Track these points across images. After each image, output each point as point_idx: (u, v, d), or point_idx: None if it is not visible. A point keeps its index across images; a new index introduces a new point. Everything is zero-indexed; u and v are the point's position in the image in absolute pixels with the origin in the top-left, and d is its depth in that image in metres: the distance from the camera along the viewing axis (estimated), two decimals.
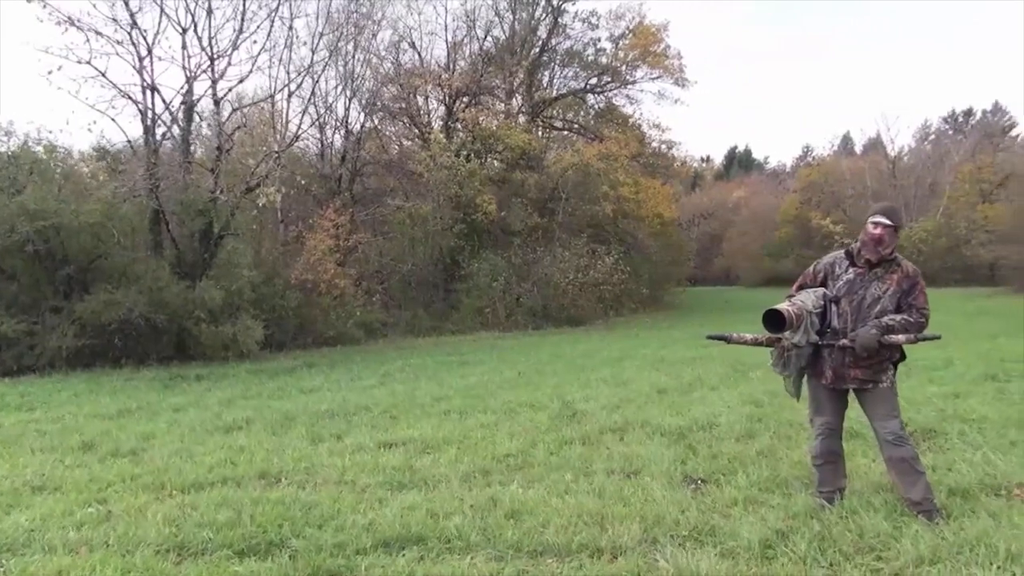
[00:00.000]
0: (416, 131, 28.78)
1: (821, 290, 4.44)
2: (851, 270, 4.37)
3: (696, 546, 3.83)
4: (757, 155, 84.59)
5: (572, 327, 23.71)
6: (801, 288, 4.54)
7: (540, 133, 32.21)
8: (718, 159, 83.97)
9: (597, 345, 16.93)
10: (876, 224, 4.25)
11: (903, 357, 4.43)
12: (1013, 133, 55.03)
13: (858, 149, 62.23)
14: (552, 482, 5.09)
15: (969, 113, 62.74)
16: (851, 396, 4.44)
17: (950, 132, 59.69)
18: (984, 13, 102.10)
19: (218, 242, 16.67)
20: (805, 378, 4.54)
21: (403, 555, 3.87)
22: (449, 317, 23.56)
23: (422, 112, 29.21)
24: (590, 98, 33.74)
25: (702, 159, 78.02)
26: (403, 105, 27.86)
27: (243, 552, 4.00)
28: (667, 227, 34.11)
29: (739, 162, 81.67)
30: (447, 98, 28.09)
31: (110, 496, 5.19)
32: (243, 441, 6.93)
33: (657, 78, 31.86)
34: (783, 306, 4.25)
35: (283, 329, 18.10)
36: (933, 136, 58.72)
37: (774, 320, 4.22)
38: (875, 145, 56.52)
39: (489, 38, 29.96)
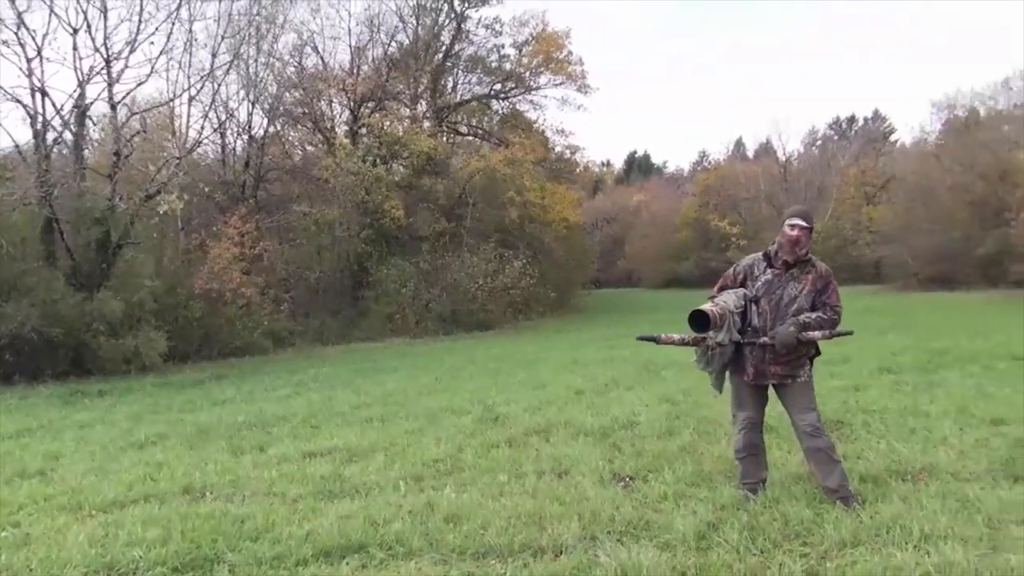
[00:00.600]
0: (320, 136, 28.37)
1: (741, 291, 4.64)
2: (769, 271, 4.59)
3: (634, 541, 3.96)
4: (656, 160, 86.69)
5: (482, 332, 23.83)
6: (723, 289, 4.74)
7: (446, 139, 32.23)
8: (618, 164, 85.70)
9: (509, 349, 17.08)
10: (793, 226, 4.48)
11: (818, 353, 4.70)
12: (892, 139, 58.27)
13: (750, 153, 64.66)
14: (485, 485, 5.15)
15: (852, 120, 66.01)
16: (771, 392, 4.69)
17: (836, 138, 62.59)
18: (865, 27, 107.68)
19: (116, 251, 16.07)
20: (728, 374, 4.75)
21: (346, 563, 3.86)
22: (358, 324, 23.31)
23: (326, 117, 28.83)
24: (495, 104, 33.98)
25: (603, 164, 79.40)
26: (306, 110, 27.44)
27: (178, 569, 3.90)
28: (572, 231, 34.63)
29: (639, 167, 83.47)
30: (352, 103, 27.82)
31: (23, 519, 4.97)
32: (160, 456, 6.73)
33: (560, 84, 32.37)
34: (707, 307, 4.43)
35: (187, 340, 17.55)
36: (820, 141, 61.45)
37: (699, 320, 4.40)
38: (767, 150, 58.86)
39: (393, 43, 29.84)
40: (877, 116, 64.04)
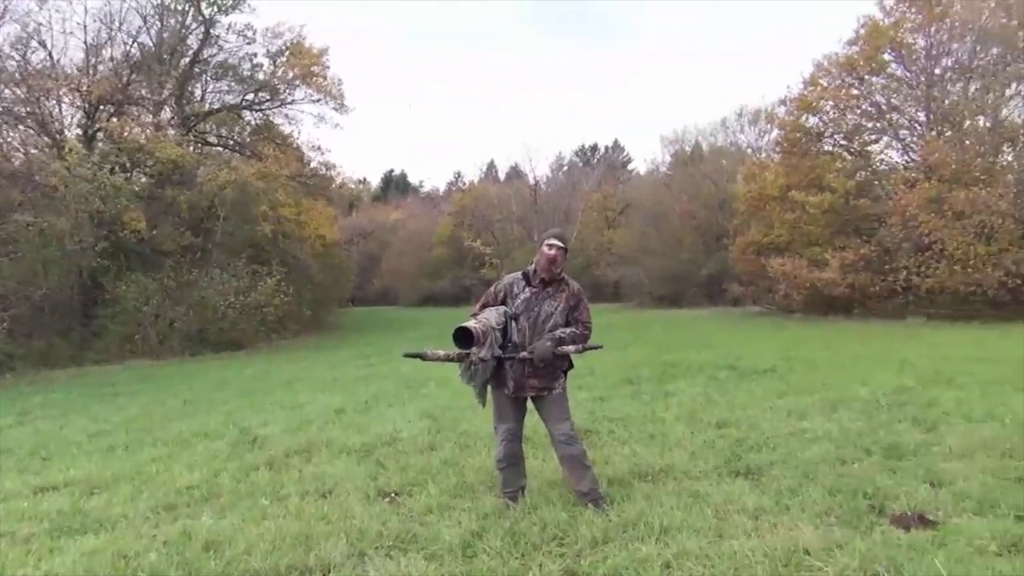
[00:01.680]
0: (47, 139, 25.72)
1: (502, 308, 4.87)
2: (528, 289, 4.86)
3: (402, 554, 4.03)
4: (413, 179, 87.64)
5: (233, 351, 22.73)
6: (484, 307, 4.93)
7: (193, 148, 30.45)
8: (375, 181, 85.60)
9: (264, 369, 16.48)
10: (551, 246, 4.78)
11: (571, 366, 5.05)
12: (630, 168, 63.25)
13: (502, 176, 67.20)
14: (246, 509, 4.98)
15: (595, 148, 70.84)
16: (530, 404, 4.96)
17: (580, 164, 66.77)
18: (608, 59, 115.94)
19: None
20: (490, 388, 4.96)
21: None
22: (92, 346, 21.35)
23: (54, 118, 26.19)
24: (247, 114, 32.65)
25: (359, 181, 78.80)
26: (31, 109, 24.77)
27: None
28: (329, 248, 34.11)
29: (396, 185, 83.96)
30: (87, 105, 25.52)
31: None
32: None
33: (317, 101, 31.76)
34: (471, 324, 4.61)
35: None
36: (566, 167, 65.21)
37: (463, 337, 4.56)
38: (517, 173, 61.50)
39: (136, 44, 27.77)
40: (617, 146, 69.34)
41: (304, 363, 17.56)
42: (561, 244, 4.81)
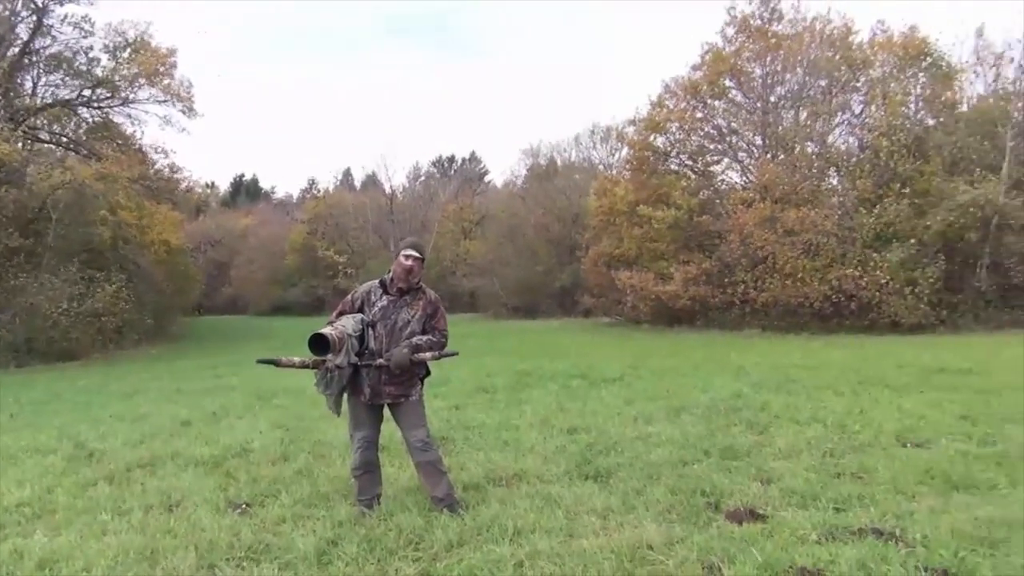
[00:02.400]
0: None
1: (359, 315, 4.88)
2: (385, 297, 4.90)
3: (254, 564, 3.96)
4: (265, 184, 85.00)
5: (66, 362, 21.28)
6: (341, 314, 4.93)
7: (22, 144, 28.36)
8: (224, 186, 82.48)
9: (102, 380, 15.54)
10: (408, 256, 4.84)
11: (428, 373, 5.11)
12: (487, 179, 63.95)
13: (358, 184, 66.26)
14: (84, 525, 4.74)
15: (452, 159, 71.13)
16: (386, 411, 4.99)
17: (437, 175, 66.87)
18: (465, 73, 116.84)
19: None
20: (346, 396, 4.95)
21: None
22: None
23: None
24: (84, 111, 30.75)
25: (208, 185, 75.76)
26: None
27: None
28: (174, 254, 32.60)
29: (246, 191, 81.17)
30: None
31: None
32: None
33: (164, 102, 30.33)
34: (327, 331, 4.59)
35: None
36: (423, 178, 65.14)
37: (319, 343, 4.54)
38: (374, 182, 60.75)
39: None
40: (474, 158, 69.91)
41: (145, 374, 16.69)
42: (417, 254, 4.88)
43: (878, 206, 22.32)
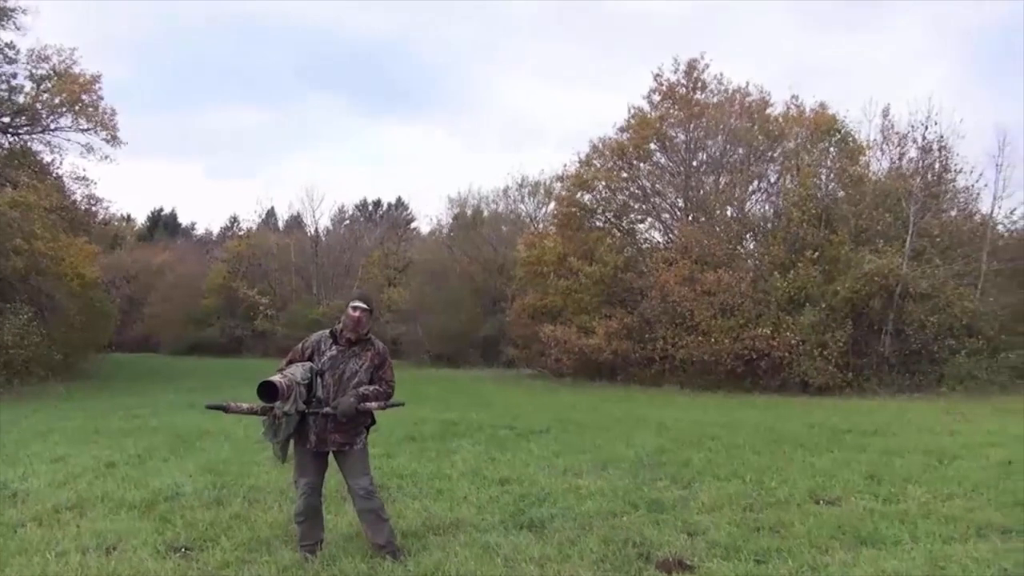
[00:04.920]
0: None
1: (308, 364, 5.04)
2: (334, 347, 5.08)
3: None
4: (184, 220, 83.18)
5: None
6: (291, 362, 5.08)
7: None
8: (141, 219, 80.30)
9: (11, 417, 14.96)
10: (356, 308, 5.06)
11: (373, 422, 5.29)
12: (412, 226, 64.09)
13: (281, 224, 65.38)
14: (20, 567, 4.71)
15: (378, 204, 71.11)
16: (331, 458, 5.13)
17: (362, 219, 66.66)
18: (392, 119, 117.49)
19: None
20: (292, 443, 5.06)
21: None
22: None
23: None
24: (2, 138, 29.84)
25: (124, 218, 73.69)
26: None
27: None
28: (88, 288, 31.60)
29: (165, 225, 79.28)
30: None
31: None
32: None
33: (87, 130, 29.73)
34: (276, 378, 4.74)
35: None
36: (348, 221, 64.80)
37: (268, 391, 4.68)
38: (298, 222, 60.08)
39: None
40: (400, 204, 70.03)
41: (56, 412, 16.11)
42: (365, 306, 5.10)
43: (791, 271, 23.39)
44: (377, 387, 5.11)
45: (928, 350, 22.19)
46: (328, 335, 5.16)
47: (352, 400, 4.90)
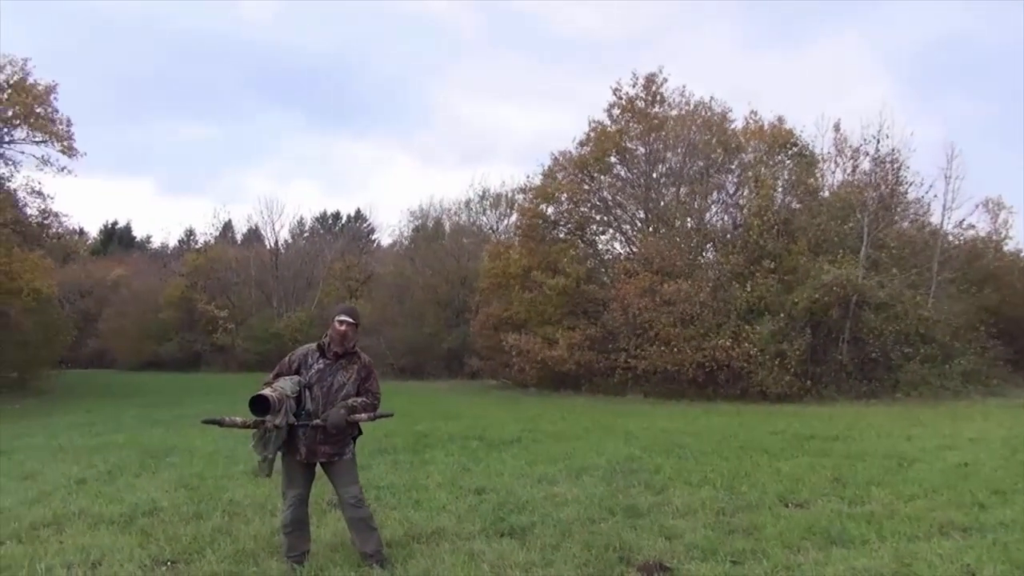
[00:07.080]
0: None
1: (296, 377, 5.12)
2: (321, 360, 5.17)
3: None
4: (139, 233, 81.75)
5: None
6: (279, 376, 5.15)
7: None
8: (94, 233, 78.74)
9: None
10: (342, 322, 5.15)
11: (360, 433, 5.38)
12: (374, 238, 63.86)
13: (239, 237, 64.52)
14: None
15: (338, 216, 70.61)
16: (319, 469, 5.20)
17: (322, 232, 66.12)
18: (343, 137, 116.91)
19: None
20: (280, 455, 5.12)
21: None
22: None
23: None
24: None
25: (77, 231, 72.14)
26: None
27: None
28: (43, 303, 30.97)
29: (119, 239, 77.86)
30: None
31: None
32: None
33: (42, 142, 29.22)
34: (266, 392, 4.82)
35: None
36: (308, 234, 64.23)
37: (260, 404, 4.75)
38: (257, 236, 59.39)
39: None
40: (360, 216, 69.64)
41: (16, 430, 15.80)
42: (351, 320, 5.20)
43: (750, 281, 23.83)
44: (364, 399, 5.21)
45: (885, 357, 22.77)
46: (315, 348, 5.24)
47: (342, 412, 4.99)
